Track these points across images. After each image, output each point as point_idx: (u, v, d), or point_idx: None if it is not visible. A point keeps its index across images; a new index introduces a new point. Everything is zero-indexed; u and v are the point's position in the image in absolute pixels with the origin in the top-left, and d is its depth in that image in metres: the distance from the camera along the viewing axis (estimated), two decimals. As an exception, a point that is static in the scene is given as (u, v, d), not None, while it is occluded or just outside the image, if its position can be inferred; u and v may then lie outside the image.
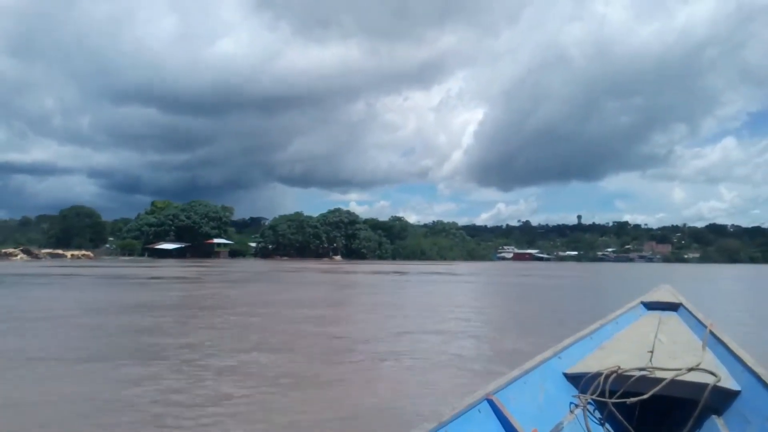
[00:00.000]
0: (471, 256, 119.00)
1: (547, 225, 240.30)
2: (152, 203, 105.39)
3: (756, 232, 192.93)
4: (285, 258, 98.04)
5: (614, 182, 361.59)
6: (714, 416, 2.48)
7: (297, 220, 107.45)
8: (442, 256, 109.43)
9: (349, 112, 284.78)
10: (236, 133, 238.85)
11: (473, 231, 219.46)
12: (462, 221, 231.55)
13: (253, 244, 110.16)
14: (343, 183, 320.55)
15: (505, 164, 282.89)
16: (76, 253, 73.38)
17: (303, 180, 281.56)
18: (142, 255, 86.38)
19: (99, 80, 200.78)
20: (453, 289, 21.77)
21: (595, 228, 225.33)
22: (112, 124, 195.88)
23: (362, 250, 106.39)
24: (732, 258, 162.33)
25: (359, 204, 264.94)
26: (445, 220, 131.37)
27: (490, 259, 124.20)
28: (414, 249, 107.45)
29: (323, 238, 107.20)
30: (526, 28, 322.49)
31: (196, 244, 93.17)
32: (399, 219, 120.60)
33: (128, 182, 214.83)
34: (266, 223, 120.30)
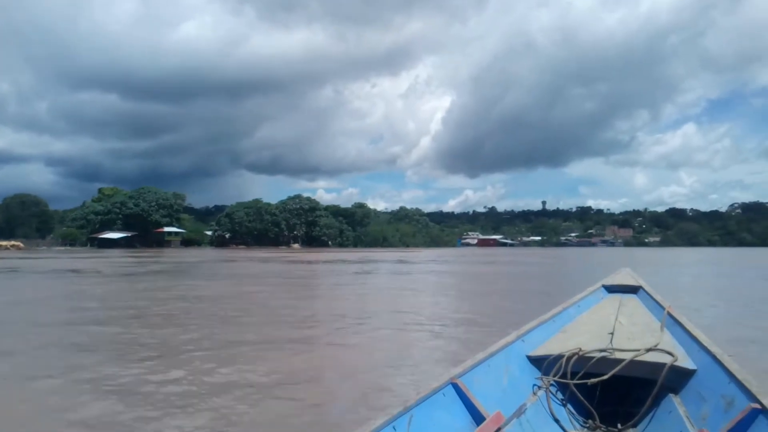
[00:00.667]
0: (434, 242, 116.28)
1: (512, 211, 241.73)
2: (99, 190, 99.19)
3: (714, 216, 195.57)
4: (241, 246, 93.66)
5: (578, 168, 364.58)
6: (671, 395, 2.57)
7: (255, 208, 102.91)
8: (404, 242, 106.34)
9: (317, 99, 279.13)
10: (201, 119, 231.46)
11: (441, 217, 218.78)
12: (430, 208, 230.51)
13: (210, 233, 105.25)
14: (311, 170, 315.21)
15: (472, 151, 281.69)
16: (4, 243, 67.77)
17: (270, 167, 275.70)
18: (85, 245, 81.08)
19: (56, 65, 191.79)
20: (406, 283, 18.45)
21: (559, 213, 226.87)
22: (71, 110, 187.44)
23: (323, 238, 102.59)
24: (691, 242, 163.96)
25: (327, 191, 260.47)
26: (409, 207, 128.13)
27: (454, 245, 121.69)
28: (376, 236, 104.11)
29: (282, 226, 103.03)
30: (493, 14, 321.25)
31: (144, 233, 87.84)
32: (362, 205, 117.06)
33: (88, 170, 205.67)
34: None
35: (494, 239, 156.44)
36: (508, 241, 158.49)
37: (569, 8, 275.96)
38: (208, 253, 59.05)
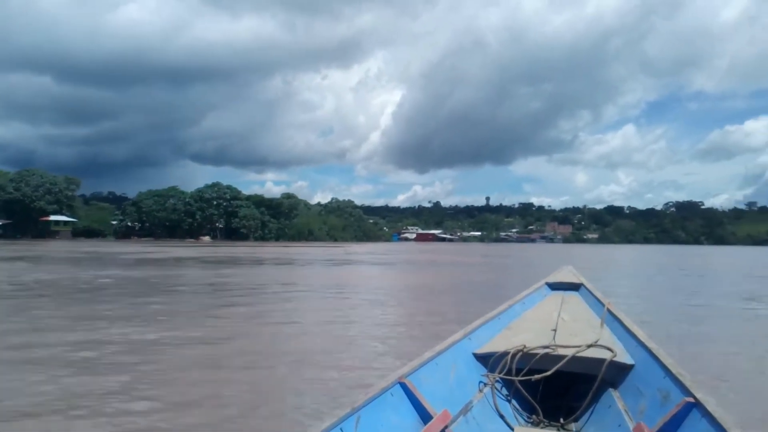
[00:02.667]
0: (367, 236, 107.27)
1: (456, 206, 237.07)
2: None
3: (650, 213, 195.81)
4: (145, 239, 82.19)
5: (523, 166, 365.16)
6: (611, 389, 2.59)
7: (165, 196, 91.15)
8: (332, 236, 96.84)
9: (265, 89, 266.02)
10: (142, 106, 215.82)
11: (386, 212, 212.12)
12: (379, 202, 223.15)
13: (116, 223, 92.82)
14: (259, 162, 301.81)
15: (421, 147, 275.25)
16: None
17: (216, 158, 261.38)
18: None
19: None
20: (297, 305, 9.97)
21: (502, 209, 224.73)
22: (0, 92, 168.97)
23: (241, 230, 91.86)
24: (628, 239, 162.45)
25: (276, 184, 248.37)
26: (358, 201, 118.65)
27: (388, 240, 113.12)
28: (301, 229, 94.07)
29: (197, 217, 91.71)
30: (444, 10, 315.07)
31: (25, 222, 75.03)
32: (290, 196, 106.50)
33: (22, 157, 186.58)
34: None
35: (432, 234, 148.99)
36: (447, 236, 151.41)
37: (518, 8, 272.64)
38: (81, 247, 47.93)
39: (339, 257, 30.81)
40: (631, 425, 2.22)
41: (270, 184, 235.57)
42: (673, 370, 2.24)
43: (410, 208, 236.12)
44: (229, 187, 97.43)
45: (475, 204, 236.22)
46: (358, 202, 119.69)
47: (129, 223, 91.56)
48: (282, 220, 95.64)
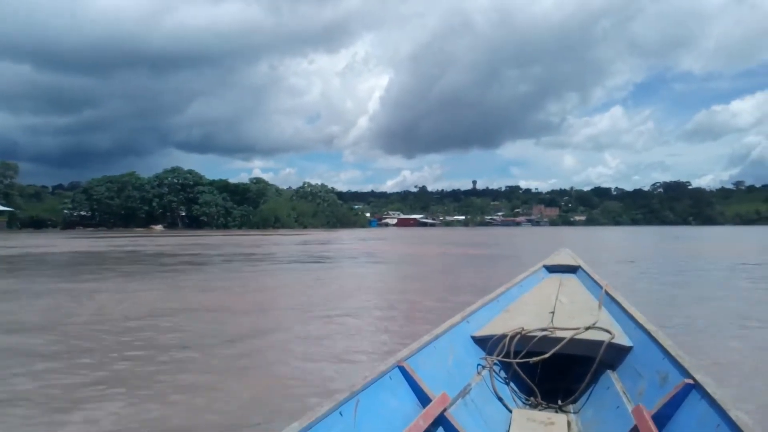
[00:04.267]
0: (341, 222, 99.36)
1: (443, 191, 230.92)
2: None
3: (637, 194, 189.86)
4: (90, 228, 74.26)
5: (511, 150, 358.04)
6: (609, 371, 2.57)
7: (119, 182, 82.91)
8: (302, 223, 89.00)
9: (251, 75, 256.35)
10: (125, 94, 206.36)
11: (373, 197, 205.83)
12: (368, 188, 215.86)
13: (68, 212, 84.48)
14: (246, 149, 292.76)
15: (409, 131, 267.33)
16: None
17: (202, 146, 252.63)
18: None
19: None
20: None
21: (488, 193, 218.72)
22: None
23: (201, 218, 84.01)
24: (615, 220, 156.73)
25: (264, 171, 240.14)
26: (314, 182, 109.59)
27: (364, 226, 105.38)
28: (266, 216, 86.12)
29: (154, 204, 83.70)
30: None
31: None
32: (259, 181, 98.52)
33: (3, 147, 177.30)
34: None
35: (414, 219, 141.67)
36: (429, 221, 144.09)
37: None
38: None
39: (263, 251, 23.28)
40: (629, 407, 2.18)
41: (257, 171, 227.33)
42: (672, 352, 2.21)
43: (397, 193, 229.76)
44: (190, 172, 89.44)
45: (462, 188, 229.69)
46: (345, 188, 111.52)
47: (83, 212, 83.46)
48: (245, 207, 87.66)
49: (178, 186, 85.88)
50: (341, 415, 1.82)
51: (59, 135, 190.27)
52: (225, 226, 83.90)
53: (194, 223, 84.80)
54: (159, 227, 77.02)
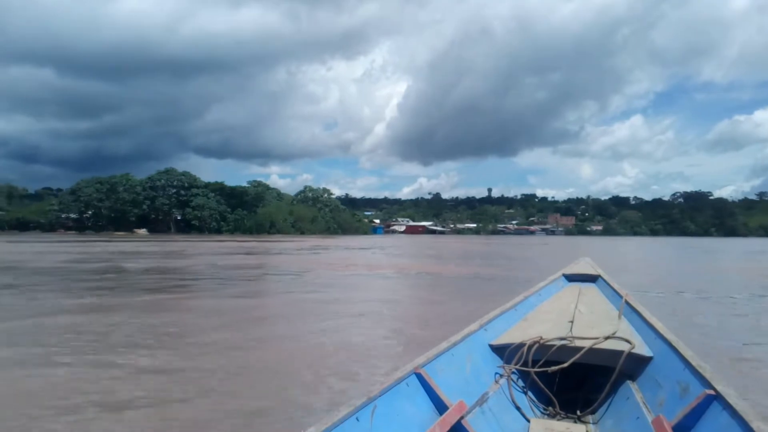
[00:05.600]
0: (342, 229, 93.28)
1: (457, 198, 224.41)
2: None
3: (657, 204, 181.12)
4: (75, 232, 69.38)
5: (528, 158, 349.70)
6: (629, 381, 2.50)
7: (109, 183, 78.07)
8: (299, 229, 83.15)
9: (269, 81, 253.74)
10: (145, 99, 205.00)
11: (387, 204, 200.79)
12: (384, 195, 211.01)
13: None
14: (263, 155, 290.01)
15: (426, 138, 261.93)
16: None
17: (220, 151, 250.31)
18: None
19: None
20: None
21: (503, 201, 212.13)
22: (3, 86, 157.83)
23: (193, 222, 78.77)
24: (634, 230, 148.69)
25: (281, 177, 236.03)
26: (310, 185, 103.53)
27: (366, 233, 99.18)
28: (261, 221, 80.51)
29: (144, 207, 78.74)
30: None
31: None
32: (259, 184, 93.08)
33: (26, 151, 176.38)
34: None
35: (423, 226, 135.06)
36: (438, 229, 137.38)
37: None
38: None
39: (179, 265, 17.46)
40: (649, 418, 2.12)
41: (275, 177, 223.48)
42: (693, 363, 2.15)
43: (410, 200, 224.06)
44: (184, 174, 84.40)
45: (478, 196, 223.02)
46: (362, 194, 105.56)
47: (72, 215, 78.87)
48: (239, 211, 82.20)
49: (171, 188, 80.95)
50: (358, 420, 1.79)
51: (80, 139, 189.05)
52: (218, 231, 78.60)
53: (187, 227, 79.74)
54: (143, 231, 71.98)
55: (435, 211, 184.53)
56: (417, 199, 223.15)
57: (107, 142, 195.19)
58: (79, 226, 76.20)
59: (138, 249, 27.94)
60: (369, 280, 12.49)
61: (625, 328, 2.85)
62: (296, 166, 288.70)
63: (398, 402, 2.02)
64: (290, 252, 26.79)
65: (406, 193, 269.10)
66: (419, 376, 2.20)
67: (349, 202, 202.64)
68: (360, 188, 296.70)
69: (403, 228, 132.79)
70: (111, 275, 13.08)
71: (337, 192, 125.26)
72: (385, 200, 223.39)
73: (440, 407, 2.14)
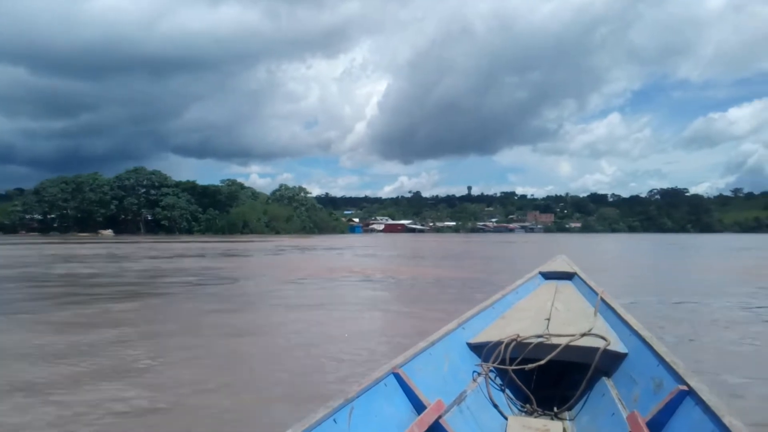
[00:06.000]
0: (318, 227, 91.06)
1: (437, 196, 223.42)
2: None
3: (634, 201, 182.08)
4: (37, 234, 66.24)
5: (508, 156, 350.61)
6: (604, 378, 2.51)
7: (75, 183, 74.95)
8: (273, 228, 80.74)
9: (249, 79, 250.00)
10: (122, 98, 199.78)
11: (367, 202, 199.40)
12: (365, 194, 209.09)
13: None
14: (243, 154, 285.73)
15: (407, 137, 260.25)
16: None
17: (199, 150, 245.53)
18: None
19: None
20: None
21: (483, 199, 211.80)
22: None
23: (162, 222, 76.00)
24: (612, 227, 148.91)
25: (261, 176, 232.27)
26: (290, 185, 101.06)
27: (343, 232, 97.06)
28: (234, 221, 78.03)
29: (112, 207, 75.76)
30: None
31: None
32: (232, 183, 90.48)
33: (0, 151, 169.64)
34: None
35: (402, 225, 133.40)
36: (418, 227, 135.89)
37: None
38: None
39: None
40: (624, 413, 2.14)
41: (255, 177, 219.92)
42: (667, 359, 2.16)
43: (390, 198, 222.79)
44: (154, 173, 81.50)
45: (458, 194, 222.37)
46: (342, 193, 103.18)
47: (37, 216, 75.57)
48: (211, 211, 79.63)
49: (140, 188, 78.05)
50: (335, 422, 1.77)
51: (56, 139, 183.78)
52: (189, 232, 75.97)
53: (157, 227, 76.96)
54: (108, 232, 69.08)
55: (415, 210, 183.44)
56: (397, 197, 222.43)
57: (83, 141, 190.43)
58: (44, 228, 73.03)
59: (81, 252, 25.66)
60: (321, 288, 10.61)
61: (601, 325, 2.85)
62: (277, 166, 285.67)
63: (376, 402, 2.00)
64: (250, 254, 24.74)
65: (387, 192, 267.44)
66: (397, 376, 2.19)
67: (329, 201, 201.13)
68: (341, 187, 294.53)
69: (382, 227, 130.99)
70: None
71: (317, 191, 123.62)
72: (366, 199, 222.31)
73: (418, 407, 2.13)
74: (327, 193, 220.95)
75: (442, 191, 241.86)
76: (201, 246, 33.49)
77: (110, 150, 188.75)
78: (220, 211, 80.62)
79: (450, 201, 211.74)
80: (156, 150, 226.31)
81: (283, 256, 22.47)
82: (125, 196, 76.98)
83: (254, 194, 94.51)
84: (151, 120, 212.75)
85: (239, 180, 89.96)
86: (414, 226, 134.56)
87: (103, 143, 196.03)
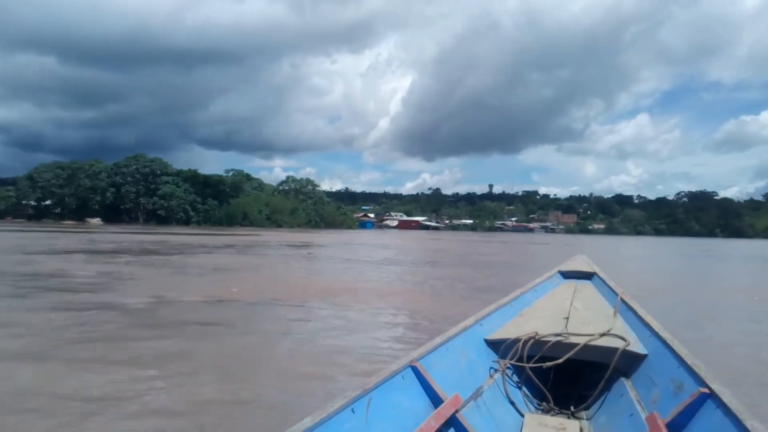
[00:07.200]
0: (324, 222, 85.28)
1: (457, 193, 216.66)
2: None
3: (661, 203, 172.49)
4: (24, 220, 62.11)
5: (532, 155, 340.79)
6: (623, 378, 2.46)
7: (70, 169, 70.71)
8: (275, 221, 75.33)
9: (274, 73, 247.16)
10: (149, 89, 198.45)
11: (387, 198, 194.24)
12: (387, 190, 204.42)
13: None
14: (266, 147, 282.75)
15: (430, 134, 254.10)
16: None
17: (224, 143, 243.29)
18: None
19: None
20: None
21: (504, 197, 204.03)
22: (6, 73, 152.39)
23: (159, 212, 71.29)
24: (637, 230, 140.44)
25: (284, 170, 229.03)
26: (297, 176, 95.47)
27: (351, 227, 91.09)
28: (233, 212, 72.89)
29: (108, 194, 71.38)
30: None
31: None
32: (237, 173, 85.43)
33: (29, 139, 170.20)
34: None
35: (416, 221, 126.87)
36: (432, 224, 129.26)
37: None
38: None
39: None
40: (643, 415, 2.09)
41: (278, 170, 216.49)
42: (688, 361, 2.11)
43: (411, 195, 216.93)
44: (154, 160, 76.86)
45: (479, 192, 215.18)
46: (364, 188, 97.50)
47: (32, 202, 71.67)
48: (210, 201, 74.66)
49: (138, 175, 73.49)
50: (353, 412, 1.77)
51: (84, 128, 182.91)
52: (186, 222, 71.19)
53: (154, 217, 72.38)
54: (96, 221, 64.56)
55: (434, 207, 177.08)
56: (417, 194, 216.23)
57: (111, 131, 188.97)
58: (37, 215, 69.06)
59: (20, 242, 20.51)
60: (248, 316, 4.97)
61: (621, 326, 2.79)
62: (300, 160, 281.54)
63: (393, 394, 1.99)
64: (218, 251, 19.15)
65: (408, 188, 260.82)
66: (414, 369, 2.17)
67: (348, 196, 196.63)
68: (363, 183, 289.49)
69: (395, 223, 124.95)
70: None
71: (338, 186, 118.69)
72: (385, 195, 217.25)
73: (435, 400, 2.11)
74: (347, 188, 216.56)
75: (463, 189, 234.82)
76: (178, 239, 28.08)
77: (137, 140, 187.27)
78: (221, 202, 75.66)
79: (470, 199, 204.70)
80: (181, 141, 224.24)
81: (250, 258, 16.76)
82: (123, 183, 72.55)
83: (260, 185, 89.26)
84: (177, 111, 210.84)
85: (262, 173, 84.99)
86: (428, 223, 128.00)
87: (130, 133, 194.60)
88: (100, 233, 35.37)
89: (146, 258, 15.75)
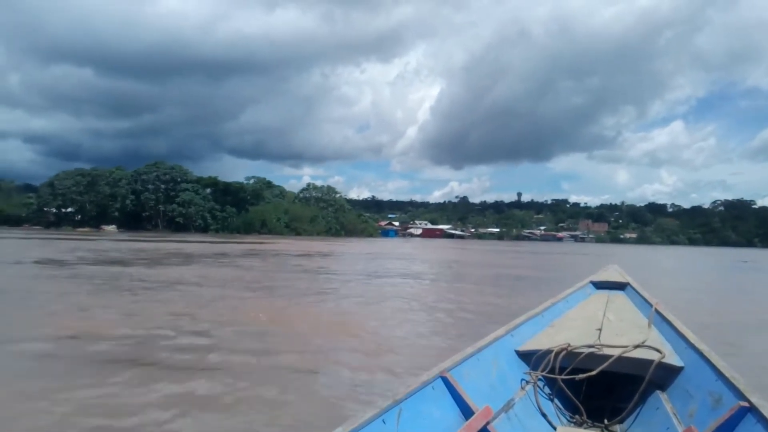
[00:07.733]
0: (345, 230, 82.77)
1: (485, 202, 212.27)
2: None
3: (696, 212, 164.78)
4: (40, 227, 61.34)
5: (562, 163, 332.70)
6: (658, 391, 2.40)
7: (91, 176, 70.04)
8: (294, 229, 73.18)
9: (303, 83, 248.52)
10: (181, 99, 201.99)
11: (414, 207, 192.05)
12: (415, 198, 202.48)
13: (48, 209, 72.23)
14: (295, 156, 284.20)
15: (458, 142, 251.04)
16: None
17: (253, 152, 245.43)
18: None
19: (25, 36, 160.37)
20: None
21: (533, 205, 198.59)
22: (45, 84, 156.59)
23: (177, 219, 69.94)
24: (671, 239, 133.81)
25: (313, 178, 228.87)
26: (318, 184, 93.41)
27: (371, 235, 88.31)
28: (251, 220, 71.06)
29: (128, 202, 70.42)
30: (488, 0, 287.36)
31: None
32: (258, 180, 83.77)
33: (67, 149, 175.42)
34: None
35: (441, 229, 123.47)
36: (457, 232, 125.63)
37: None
38: None
39: None
40: (680, 429, 2.04)
41: (306, 179, 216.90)
42: (726, 373, 2.05)
43: (438, 203, 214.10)
44: (174, 167, 75.74)
45: (507, 200, 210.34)
46: (391, 197, 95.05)
47: (53, 209, 71.22)
48: (229, 209, 73.03)
49: (158, 183, 72.43)
50: (384, 423, 1.75)
51: (120, 138, 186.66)
52: (204, 230, 69.66)
53: (173, 224, 71.11)
54: (111, 228, 63.43)
55: (461, 215, 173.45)
56: (444, 202, 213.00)
57: (145, 141, 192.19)
58: (58, 222, 68.54)
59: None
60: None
61: (655, 337, 2.69)
62: (329, 168, 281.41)
63: (424, 405, 1.95)
64: (201, 260, 16.72)
65: (436, 197, 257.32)
66: (445, 380, 2.13)
67: (375, 204, 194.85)
68: (391, 191, 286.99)
69: (419, 231, 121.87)
70: None
71: (365, 194, 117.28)
72: (411, 203, 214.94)
73: (466, 412, 2.07)
74: (373, 197, 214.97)
75: (491, 197, 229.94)
76: (176, 247, 25.85)
77: (169, 150, 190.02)
78: (239, 210, 74.01)
79: (498, 207, 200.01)
80: (212, 151, 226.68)
81: (195, 269, 14.20)
82: (142, 191, 71.56)
83: (282, 193, 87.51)
84: (208, 122, 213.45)
85: (291, 181, 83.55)
86: (453, 231, 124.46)
87: (163, 143, 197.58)
88: (100, 240, 33.49)
89: (183, 267, 13.23)
